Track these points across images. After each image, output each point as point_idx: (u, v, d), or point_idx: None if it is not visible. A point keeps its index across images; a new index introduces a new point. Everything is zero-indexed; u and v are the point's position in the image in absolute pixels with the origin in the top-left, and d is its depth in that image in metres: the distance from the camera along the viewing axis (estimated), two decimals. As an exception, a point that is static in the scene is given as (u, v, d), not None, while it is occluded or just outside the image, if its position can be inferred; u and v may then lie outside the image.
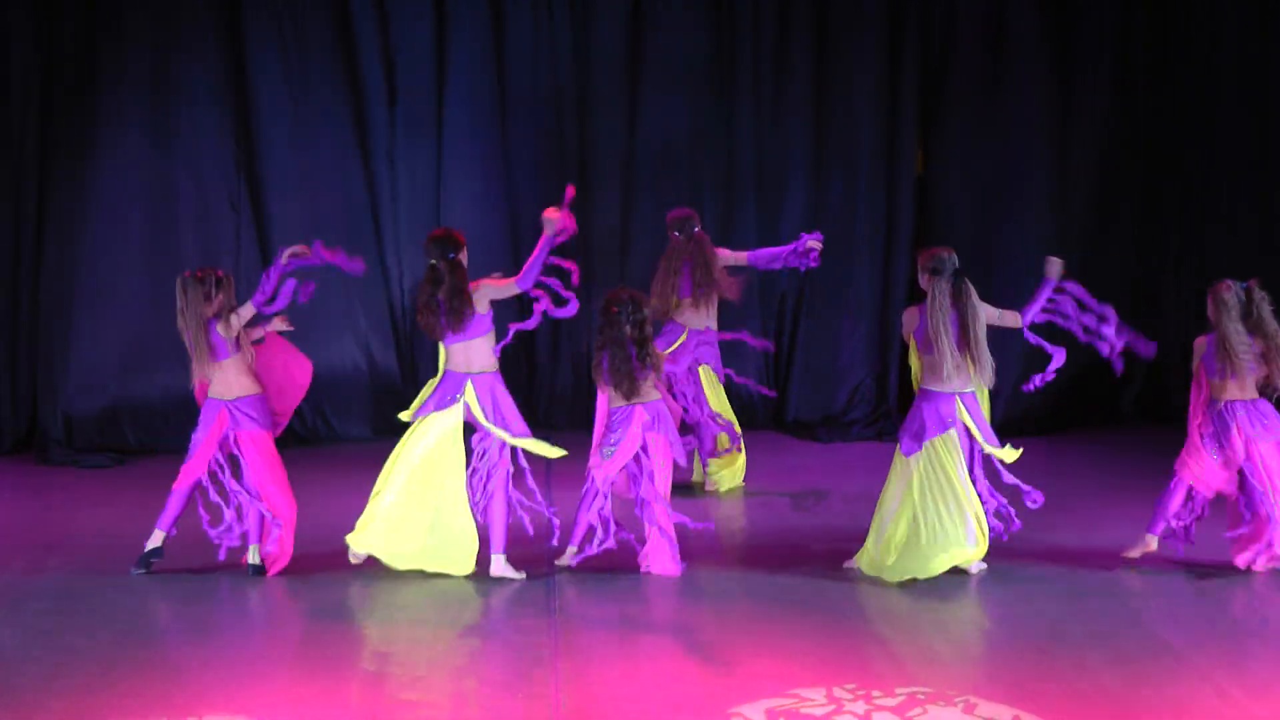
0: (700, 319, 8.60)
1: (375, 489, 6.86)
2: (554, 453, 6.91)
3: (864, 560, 6.91)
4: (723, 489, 8.68)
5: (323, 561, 7.08)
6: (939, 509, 6.69)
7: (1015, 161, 10.61)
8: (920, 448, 6.72)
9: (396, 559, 6.87)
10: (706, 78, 10.68)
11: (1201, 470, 6.89)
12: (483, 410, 6.80)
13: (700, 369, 8.60)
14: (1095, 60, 10.69)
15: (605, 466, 6.92)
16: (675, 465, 7.10)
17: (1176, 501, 6.97)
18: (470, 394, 6.79)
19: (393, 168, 10.48)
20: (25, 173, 9.86)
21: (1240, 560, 6.86)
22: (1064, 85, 10.64)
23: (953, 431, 6.72)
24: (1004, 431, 10.58)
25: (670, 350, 8.46)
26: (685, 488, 8.56)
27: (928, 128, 10.84)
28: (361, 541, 6.84)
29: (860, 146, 10.72)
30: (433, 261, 6.78)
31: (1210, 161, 10.80)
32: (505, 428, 6.82)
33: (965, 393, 6.78)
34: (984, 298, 6.84)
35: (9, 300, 9.93)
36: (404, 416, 6.96)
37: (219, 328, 6.74)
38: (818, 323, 10.76)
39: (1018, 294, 10.49)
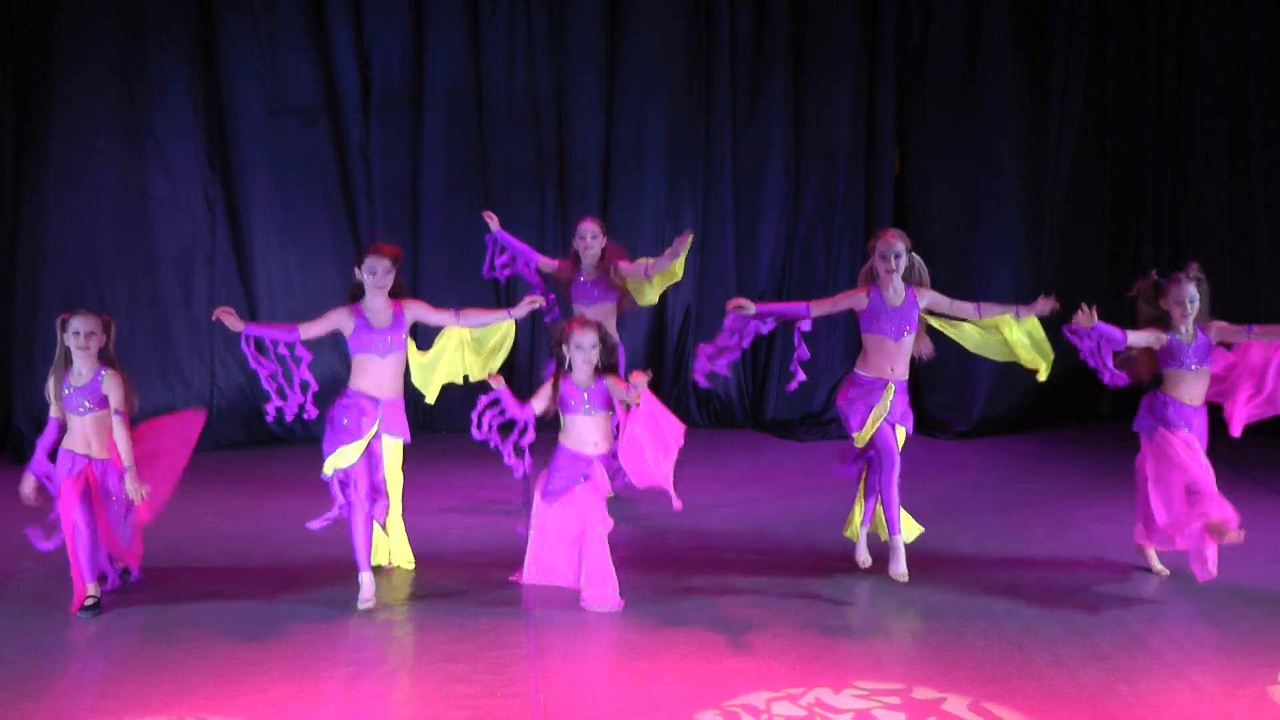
0: None
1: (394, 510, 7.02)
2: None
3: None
4: None
5: (301, 562, 7.10)
6: None
7: (991, 160, 10.65)
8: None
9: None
10: (683, 77, 10.69)
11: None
12: None
13: None
14: (1069, 58, 10.73)
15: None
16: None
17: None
18: None
19: (368, 165, 10.44)
20: (-3, 173, 9.81)
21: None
22: (1039, 83, 10.68)
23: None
24: (982, 430, 10.74)
25: None
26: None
27: (904, 126, 10.87)
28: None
29: (837, 145, 10.74)
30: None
31: (1185, 159, 10.88)
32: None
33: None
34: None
35: (-20, 302, 9.86)
36: None
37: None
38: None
39: (993, 290, 10.63)
